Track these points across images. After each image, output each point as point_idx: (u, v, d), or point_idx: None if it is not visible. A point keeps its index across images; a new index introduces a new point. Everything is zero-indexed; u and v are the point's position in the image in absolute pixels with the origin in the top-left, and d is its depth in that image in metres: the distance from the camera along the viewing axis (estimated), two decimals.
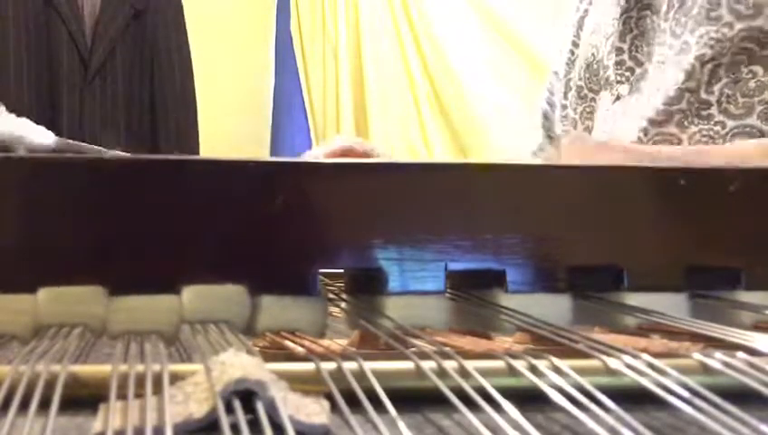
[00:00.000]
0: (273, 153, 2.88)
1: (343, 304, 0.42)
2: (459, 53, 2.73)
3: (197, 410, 0.25)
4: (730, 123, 0.86)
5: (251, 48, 2.93)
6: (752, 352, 0.30)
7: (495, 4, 2.69)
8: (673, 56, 0.89)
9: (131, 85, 1.86)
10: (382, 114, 2.83)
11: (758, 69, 0.85)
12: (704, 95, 0.87)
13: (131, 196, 0.37)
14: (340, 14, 2.91)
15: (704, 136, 0.87)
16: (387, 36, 2.85)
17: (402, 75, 2.82)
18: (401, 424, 0.24)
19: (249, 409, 0.24)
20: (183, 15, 1.95)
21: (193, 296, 0.36)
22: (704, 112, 0.87)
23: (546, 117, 1.10)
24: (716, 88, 0.86)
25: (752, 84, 0.85)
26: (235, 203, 0.38)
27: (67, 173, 0.37)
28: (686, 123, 0.88)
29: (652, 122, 0.89)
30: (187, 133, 1.94)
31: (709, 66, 0.87)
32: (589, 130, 0.99)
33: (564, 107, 1.04)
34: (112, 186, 0.37)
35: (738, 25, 0.86)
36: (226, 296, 0.37)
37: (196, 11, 2.08)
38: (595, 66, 0.99)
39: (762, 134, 0.85)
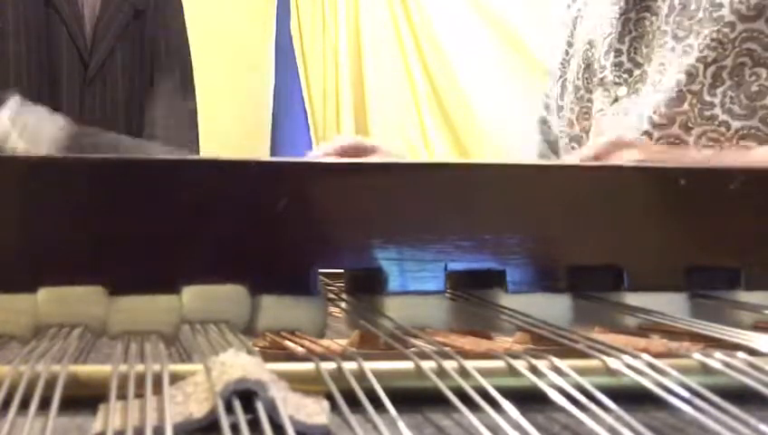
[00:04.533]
0: (273, 153, 2.88)
1: (343, 304, 0.42)
2: (459, 52, 2.73)
3: (197, 410, 0.25)
4: (735, 124, 0.86)
5: (251, 48, 2.93)
6: (752, 352, 0.30)
7: (495, 4, 2.69)
8: (675, 59, 0.88)
9: (131, 85, 1.86)
10: (382, 114, 2.83)
11: (762, 71, 0.85)
12: (707, 97, 0.86)
13: (131, 196, 0.37)
14: (341, 14, 2.91)
15: (709, 138, 0.87)
16: (387, 36, 2.85)
17: (402, 75, 2.82)
18: (401, 424, 0.24)
19: (249, 409, 0.24)
20: (183, 15, 1.95)
21: (193, 296, 0.36)
22: (707, 113, 0.87)
23: (545, 122, 1.09)
24: (719, 90, 0.86)
25: (755, 88, 0.85)
26: (236, 203, 0.38)
27: (67, 173, 0.37)
28: (689, 124, 0.87)
29: (654, 125, 0.89)
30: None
31: (712, 68, 0.86)
32: (585, 130, 0.98)
33: (561, 108, 1.03)
34: (112, 186, 0.37)
35: (740, 26, 0.85)
36: (226, 296, 0.37)
37: (196, 11, 2.08)
38: (595, 66, 0.98)
39: None
